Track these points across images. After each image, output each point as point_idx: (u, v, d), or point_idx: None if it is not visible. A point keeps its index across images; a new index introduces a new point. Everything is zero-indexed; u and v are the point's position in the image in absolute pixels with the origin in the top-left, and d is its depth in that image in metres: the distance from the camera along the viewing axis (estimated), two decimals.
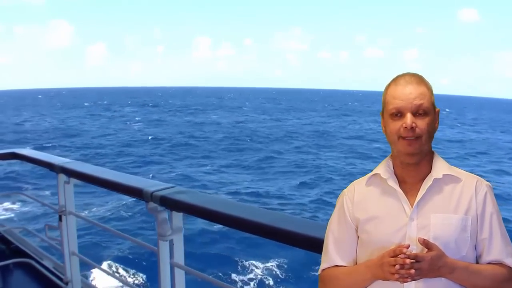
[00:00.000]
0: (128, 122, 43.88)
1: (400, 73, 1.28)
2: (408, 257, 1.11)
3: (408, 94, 1.21)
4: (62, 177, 2.85)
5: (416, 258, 1.11)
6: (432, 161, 1.27)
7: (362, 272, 1.25)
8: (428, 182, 1.23)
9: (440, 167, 1.25)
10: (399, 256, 1.12)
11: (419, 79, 1.24)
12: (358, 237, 1.32)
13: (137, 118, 48.13)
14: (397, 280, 1.13)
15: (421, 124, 1.20)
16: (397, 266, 1.11)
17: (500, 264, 1.21)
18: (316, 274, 1.40)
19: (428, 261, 1.11)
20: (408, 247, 1.14)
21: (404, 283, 1.16)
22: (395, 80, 1.27)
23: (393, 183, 1.26)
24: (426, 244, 1.13)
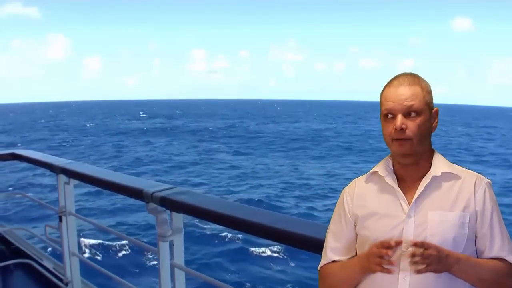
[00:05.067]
0: None
1: (397, 74, 1.28)
2: (416, 244, 1.11)
3: (399, 95, 1.21)
4: (62, 177, 2.85)
5: (423, 245, 1.11)
6: (432, 159, 1.27)
7: (352, 264, 1.28)
8: (426, 180, 1.23)
9: (440, 165, 1.25)
10: (385, 249, 1.14)
11: (413, 80, 1.24)
12: (357, 233, 1.33)
13: None
14: (381, 271, 1.16)
15: (412, 125, 1.20)
16: (377, 260, 1.15)
17: (502, 260, 1.21)
18: (315, 275, 1.41)
19: (435, 247, 1.11)
20: (400, 243, 1.16)
21: (399, 281, 1.18)
22: (390, 81, 1.27)
23: (391, 181, 1.27)
24: (422, 244, 1.13)
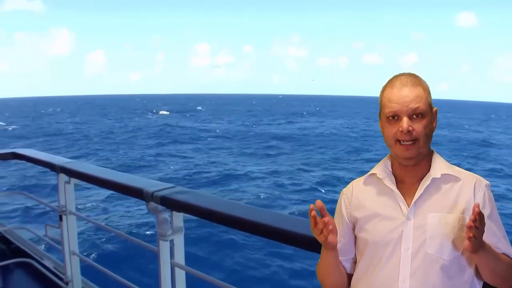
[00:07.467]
0: None
1: (396, 74, 1.27)
2: (474, 213, 1.03)
3: (404, 97, 1.20)
4: (63, 177, 2.85)
5: (479, 216, 1.03)
6: (431, 160, 1.26)
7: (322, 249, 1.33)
8: (426, 182, 1.22)
9: (439, 167, 1.24)
10: (312, 217, 1.19)
11: (415, 81, 1.23)
12: (356, 236, 1.33)
13: None
14: (323, 237, 1.21)
15: (418, 127, 1.19)
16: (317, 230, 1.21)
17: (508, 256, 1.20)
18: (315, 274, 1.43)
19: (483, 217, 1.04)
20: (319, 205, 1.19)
21: (399, 284, 1.17)
22: (391, 82, 1.26)
23: (390, 183, 1.26)
24: (480, 217, 1.04)
